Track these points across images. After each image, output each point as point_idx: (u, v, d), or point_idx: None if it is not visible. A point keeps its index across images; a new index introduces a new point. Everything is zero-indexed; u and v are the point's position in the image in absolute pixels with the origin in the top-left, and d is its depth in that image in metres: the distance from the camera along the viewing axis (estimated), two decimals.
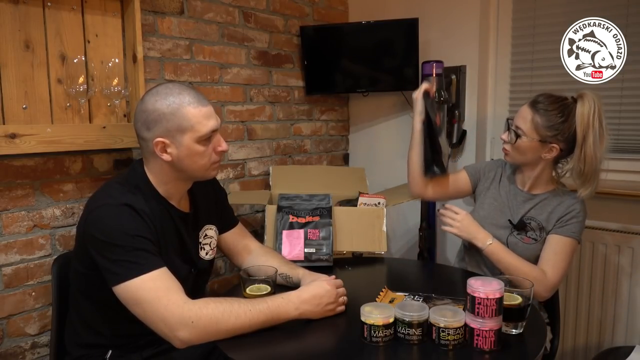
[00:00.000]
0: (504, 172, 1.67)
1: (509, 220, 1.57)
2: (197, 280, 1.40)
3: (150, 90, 1.27)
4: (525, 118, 1.48)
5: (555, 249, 1.49)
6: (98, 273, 1.18)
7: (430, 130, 1.58)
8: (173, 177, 1.30)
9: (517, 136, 1.49)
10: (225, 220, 1.53)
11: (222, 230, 1.51)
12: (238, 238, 1.54)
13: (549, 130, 1.45)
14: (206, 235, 1.43)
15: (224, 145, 1.31)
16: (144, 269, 1.13)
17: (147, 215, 1.22)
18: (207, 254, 1.43)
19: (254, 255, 1.52)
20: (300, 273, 1.41)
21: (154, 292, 1.12)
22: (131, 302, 1.13)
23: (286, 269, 1.44)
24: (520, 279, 1.24)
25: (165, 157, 1.25)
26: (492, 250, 1.50)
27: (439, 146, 1.58)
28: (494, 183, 1.67)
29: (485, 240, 1.51)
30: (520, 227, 1.55)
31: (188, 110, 1.23)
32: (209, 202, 1.46)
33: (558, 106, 1.46)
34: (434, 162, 1.59)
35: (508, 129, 1.53)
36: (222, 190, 1.55)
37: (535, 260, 1.54)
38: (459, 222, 1.54)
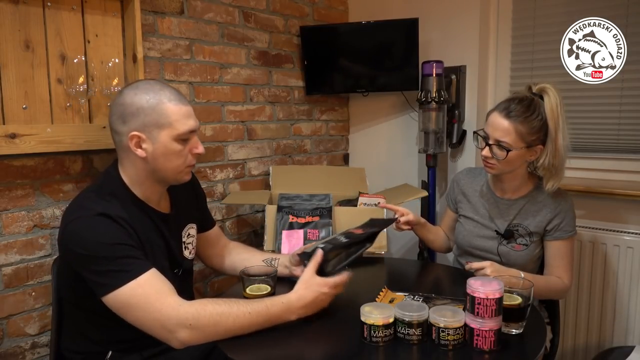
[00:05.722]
0: (482, 182, 1.67)
1: (496, 230, 1.58)
2: (184, 280, 1.39)
3: (129, 85, 1.24)
4: (507, 130, 1.43)
5: (560, 253, 1.53)
6: (85, 284, 1.16)
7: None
8: (147, 177, 1.26)
9: (507, 150, 1.45)
10: (206, 219, 1.53)
11: (201, 229, 1.50)
12: (218, 237, 1.57)
13: (533, 135, 1.45)
14: (189, 234, 1.42)
15: (200, 148, 1.28)
16: (131, 276, 1.11)
17: (125, 221, 1.18)
18: (190, 253, 1.42)
19: (234, 252, 1.56)
20: (282, 259, 1.47)
21: (145, 298, 1.10)
22: (123, 309, 1.12)
23: (268, 255, 1.50)
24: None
25: (140, 152, 1.21)
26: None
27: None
28: (474, 197, 1.67)
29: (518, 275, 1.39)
30: (508, 235, 1.56)
31: (168, 107, 1.20)
32: (190, 200, 1.44)
33: (532, 108, 1.44)
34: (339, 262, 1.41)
35: (487, 145, 1.48)
36: (202, 190, 1.55)
37: (530, 264, 1.56)
38: (490, 268, 1.38)
